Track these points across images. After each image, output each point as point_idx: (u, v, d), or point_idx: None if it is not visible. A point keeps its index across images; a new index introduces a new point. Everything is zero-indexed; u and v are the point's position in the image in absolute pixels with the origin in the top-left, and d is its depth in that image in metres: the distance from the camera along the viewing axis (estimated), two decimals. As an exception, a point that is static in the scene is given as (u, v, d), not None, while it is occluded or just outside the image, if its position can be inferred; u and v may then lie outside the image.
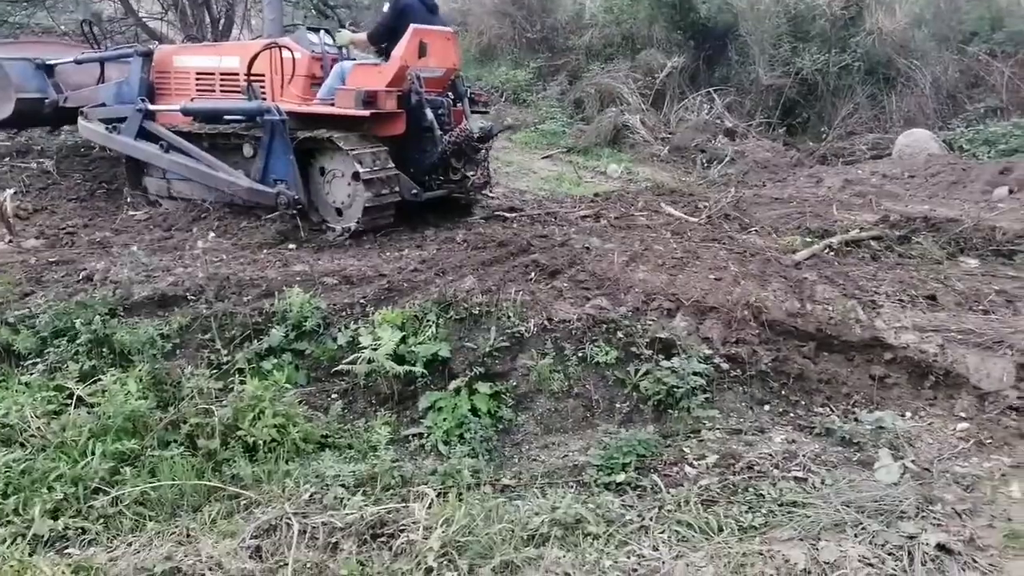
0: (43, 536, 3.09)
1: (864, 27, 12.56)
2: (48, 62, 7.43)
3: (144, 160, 6.82)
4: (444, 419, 3.97)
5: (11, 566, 2.76)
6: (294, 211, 6.06)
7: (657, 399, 3.91)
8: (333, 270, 5.09)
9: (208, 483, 3.34)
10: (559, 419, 4.04)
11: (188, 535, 3.04)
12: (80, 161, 7.90)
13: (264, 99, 6.24)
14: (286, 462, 3.54)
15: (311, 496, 3.20)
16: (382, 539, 2.95)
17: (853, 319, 4.35)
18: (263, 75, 6.37)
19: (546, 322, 4.38)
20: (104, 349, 4.16)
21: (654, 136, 11.97)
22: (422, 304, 4.50)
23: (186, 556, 2.85)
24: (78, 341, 4.14)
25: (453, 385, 4.10)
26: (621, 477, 3.35)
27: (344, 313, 4.56)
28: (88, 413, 3.69)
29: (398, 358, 4.17)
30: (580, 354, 4.18)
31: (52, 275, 4.93)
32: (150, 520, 3.17)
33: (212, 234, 5.56)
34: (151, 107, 6.73)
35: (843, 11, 12.62)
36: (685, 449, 3.57)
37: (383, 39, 6.33)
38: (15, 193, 5.91)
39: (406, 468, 3.54)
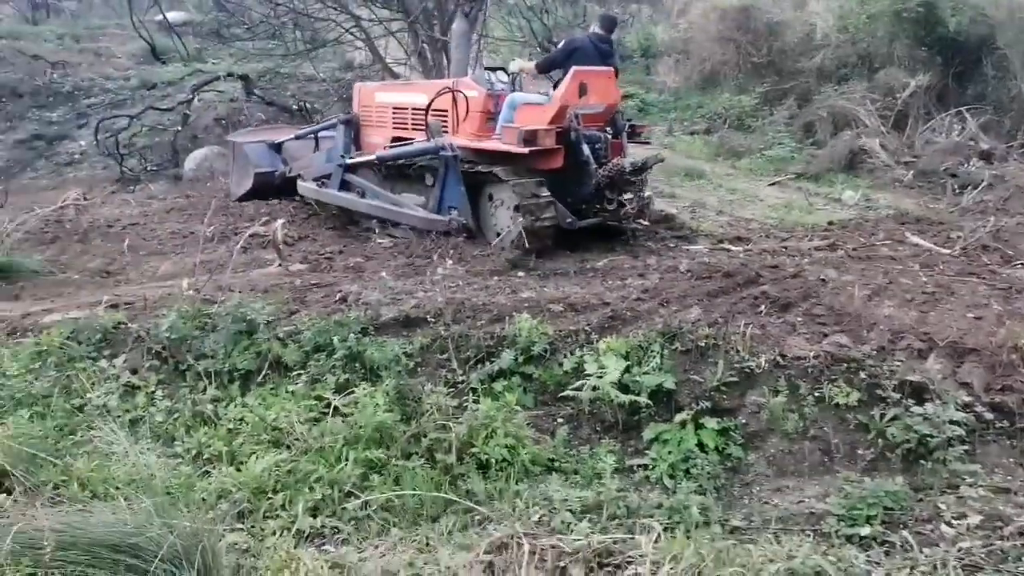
0: (304, 532, 3.44)
1: None
2: (276, 142, 8.95)
3: (346, 207, 7.91)
4: (669, 452, 3.92)
5: (280, 556, 3.10)
6: (463, 235, 6.75)
7: (907, 448, 3.60)
8: (558, 297, 5.22)
9: (445, 496, 3.54)
10: (793, 461, 3.84)
11: (428, 544, 3.24)
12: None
13: (445, 132, 7.04)
14: (516, 482, 3.67)
15: (540, 518, 3.29)
16: (608, 568, 2.96)
17: None
18: (445, 111, 7.20)
19: (778, 358, 4.19)
20: (357, 364, 4.55)
21: (896, 160, 11.08)
22: (646, 334, 4.49)
23: (426, 564, 3.04)
24: (335, 356, 4.57)
25: (679, 418, 4.04)
26: (866, 530, 3.12)
27: (569, 339, 4.65)
28: (343, 422, 4.05)
29: (623, 387, 4.18)
30: (817, 394, 3.96)
31: (313, 296, 5.48)
32: (394, 526, 3.42)
33: (450, 261, 5.93)
34: (349, 161, 7.92)
35: None
36: (941, 506, 3.25)
37: (549, 71, 7.19)
38: (284, 223, 6.68)
39: (631, 499, 3.53)
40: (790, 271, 5.44)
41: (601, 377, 4.15)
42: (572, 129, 6.54)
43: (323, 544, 3.34)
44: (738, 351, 4.24)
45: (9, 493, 3.49)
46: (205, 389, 4.52)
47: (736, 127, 13.27)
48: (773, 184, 10.47)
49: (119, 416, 4.23)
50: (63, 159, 12.11)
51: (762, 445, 3.94)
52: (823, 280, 5.14)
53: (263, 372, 4.63)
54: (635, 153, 7.48)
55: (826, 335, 4.29)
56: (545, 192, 6.52)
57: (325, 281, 5.85)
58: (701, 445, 3.91)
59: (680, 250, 6.82)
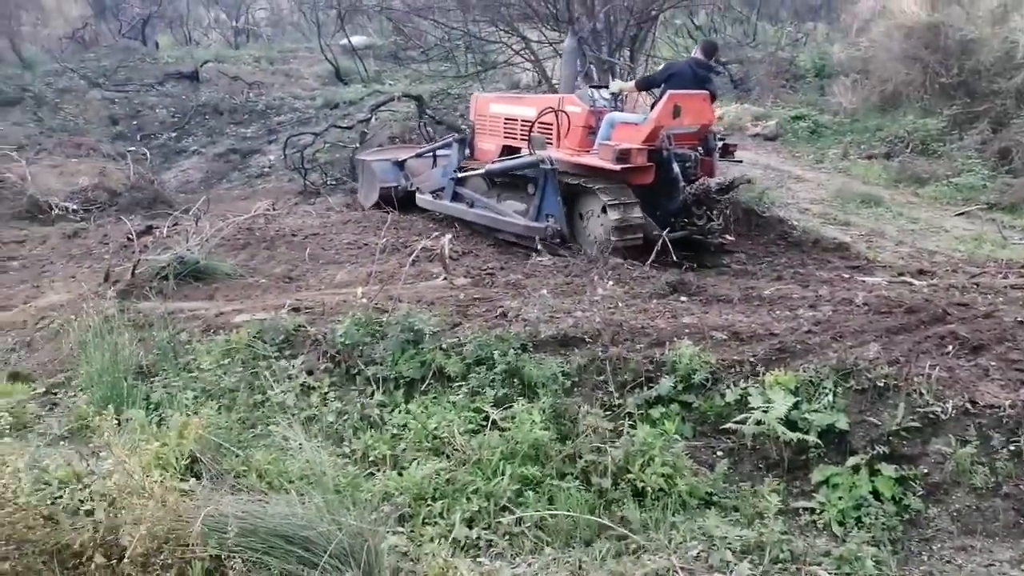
0: (460, 541, 3.51)
1: None
2: (399, 159, 9.92)
3: (457, 216, 8.70)
4: (840, 497, 3.68)
5: (438, 563, 3.18)
6: (558, 240, 7.41)
7: (1124, 517, 3.18)
8: (722, 325, 5.06)
9: (599, 520, 3.51)
10: (981, 520, 3.50)
11: (580, 567, 3.22)
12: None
13: (550, 144, 7.71)
14: (672, 513, 3.57)
15: (698, 553, 3.19)
16: (771, 614, 2.82)
17: None
18: (550, 125, 7.90)
19: (968, 404, 3.85)
20: (515, 379, 4.62)
21: (1109, 192, 9.92)
22: (818, 369, 4.25)
23: (579, 588, 3.02)
24: (495, 370, 4.66)
25: (851, 462, 3.79)
26: (1071, 606, 2.78)
27: (733, 370, 4.49)
28: (500, 436, 4.11)
29: (790, 424, 3.98)
30: (1013, 447, 3.59)
31: (475, 310, 5.63)
32: (548, 545, 3.42)
33: (609, 282, 5.90)
34: (459, 175, 8.77)
35: None
36: None
37: (647, 89, 7.89)
38: (451, 238, 6.92)
39: (796, 543, 3.34)
40: (982, 310, 4.98)
41: (767, 412, 3.97)
42: (664, 148, 7.06)
43: (478, 556, 3.39)
44: (921, 394, 3.92)
45: (198, 478, 3.80)
46: (373, 394, 4.75)
47: (919, 152, 12.37)
48: (961, 214, 9.67)
49: (295, 414, 4.51)
50: (254, 172, 13.19)
51: (945, 499, 3.61)
52: (1021, 322, 4.67)
53: (426, 381, 4.79)
54: (728, 170, 8.02)
55: (1025, 383, 3.89)
56: (635, 205, 7.08)
57: (487, 296, 5.99)
58: (876, 493, 3.65)
59: (855, 281, 6.43)
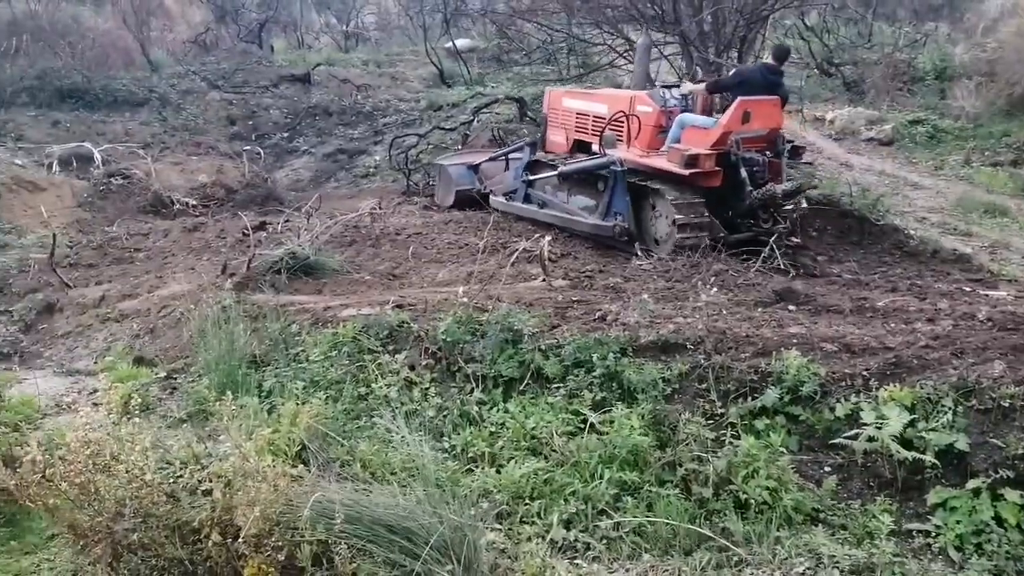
0: (557, 542, 3.52)
1: None
2: (474, 163, 10.19)
3: (529, 217, 8.83)
4: (958, 521, 3.50)
5: (535, 562, 3.20)
6: (625, 237, 7.59)
7: None
8: (832, 336, 4.88)
9: (700, 530, 3.44)
10: (1120, 555, 3.25)
11: (679, 576, 3.17)
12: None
13: (620, 141, 7.98)
14: (776, 527, 3.47)
15: (804, 570, 3.09)
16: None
17: None
18: (622, 123, 8.08)
19: (1107, 431, 3.57)
20: (614, 383, 4.58)
21: None
22: (936, 386, 4.04)
23: (678, 597, 2.98)
24: (593, 373, 4.64)
25: (972, 484, 3.59)
26: None
27: (844, 383, 4.32)
28: (598, 439, 4.10)
29: (904, 442, 3.80)
30: None
31: (574, 312, 5.62)
32: (646, 552, 3.39)
33: (714, 289, 5.78)
34: (531, 177, 9.03)
35: None
36: None
37: (717, 92, 8.10)
38: (550, 240, 6.93)
39: (910, 566, 3.20)
40: (1125, 330, 4.62)
41: (880, 428, 3.80)
42: (732, 153, 7.18)
43: (575, 558, 3.39)
44: (1052, 417, 3.67)
45: (306, 465, 3.94)
46: (472, 391, 4.81)
47: (1052, 159, 11.59)
48: (1101, 225, 8.99)
49: (398, 407, 4.62)
50: (360, 171, 13.58)
51: (1078, 531, 3.37)
52: None
53: (524, 381, 4.81)
54: (794, 174, 8.13)
55: None
56: (702, 207, 7.24)
57: (585, 298, 5.97)
58: (999, 519, 3.44)
59: (977, 295, 6.09)
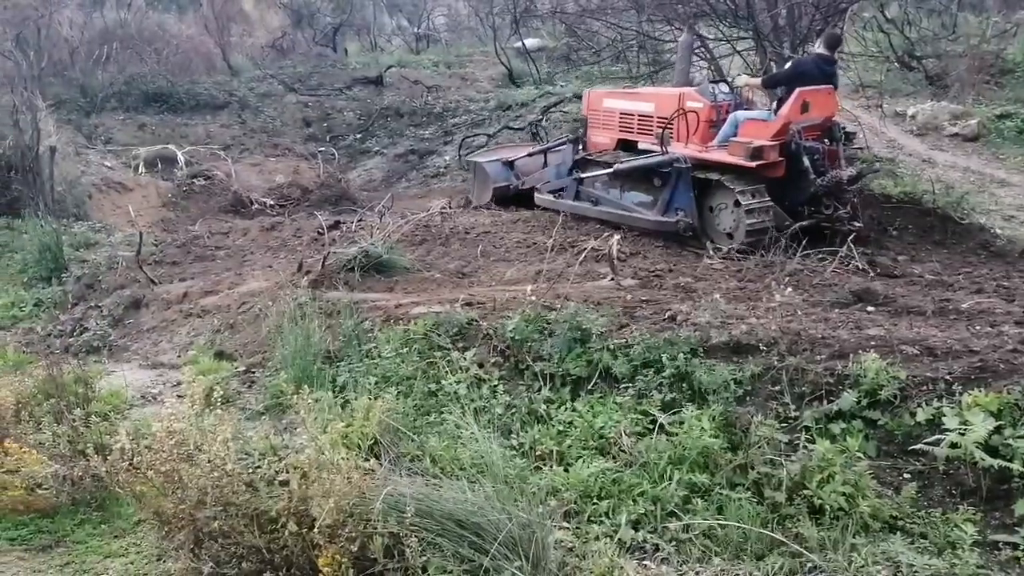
0: (625, 543, 3.51)
1: None
2: (510, 159, 10.15)
3: (582, 215, 8.76)
4: (1049, 534, 3.33)
5: (604, 562, 3.19)
6: (689, 232, 7.69)
7: None
8: (913, 339, 4.71)
9: (772, 535, 3.38)
10: None
11: (751, 581, 3.12)
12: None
13: (672, 137, 8.02)
14: (853, 534, 3.38)
15: (881, 579, 3.00)
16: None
17: None
18: (673, 121, 8.07)
19: None
20: (684, 384, 4.54)
21: None
22: (1025, 392, 3.87)
23: (749, 602, 2.93)
24: (663, 374, 4.60)
25: (1064, 496, 3.42)
26: None
27: (925, 388, 4.17)
28: (667, 440, 4.07)
29: (990, 449, 3.64)
30: None
31: (642, 312, 5.58)
32: (716, 555, 3.34)
33: (788, 289, 5.65)
34: (582, 175, 8.96)
35: None
36: None
37: (774, 87, 8.01)
38: (618, 239, 6.89)
39: (995, 579, 3.07)
40: None
41: (963, 435, 3.66)
42: (794, 143, 7.31)
43: (644, 559, 3.37)
44: None
45: (378, 458, 4.03)
46: (540, 389, 4.83)
47: None
48: None
49: (467, 404, 4.67)
50: (430, 171, 13.78)
51: None
52: None
53: (592, 380, 4.81)
54: (853, 156, 8.06)
55: None
56: (764, 192, 7.35)
57: (654, 298, 5.92)
58: (1093, 533, 3.27)
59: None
